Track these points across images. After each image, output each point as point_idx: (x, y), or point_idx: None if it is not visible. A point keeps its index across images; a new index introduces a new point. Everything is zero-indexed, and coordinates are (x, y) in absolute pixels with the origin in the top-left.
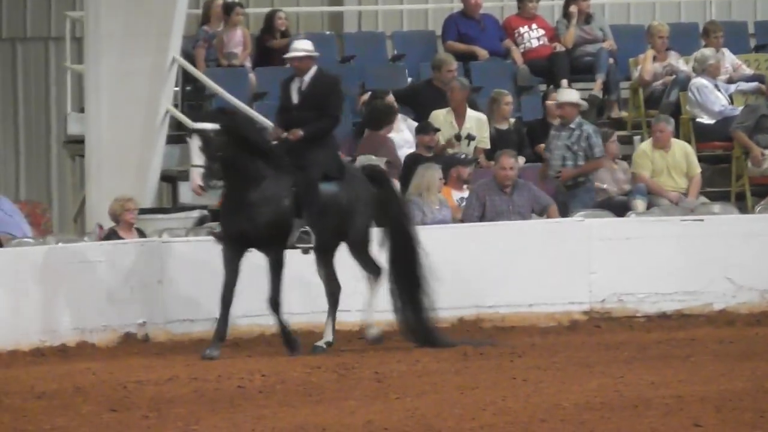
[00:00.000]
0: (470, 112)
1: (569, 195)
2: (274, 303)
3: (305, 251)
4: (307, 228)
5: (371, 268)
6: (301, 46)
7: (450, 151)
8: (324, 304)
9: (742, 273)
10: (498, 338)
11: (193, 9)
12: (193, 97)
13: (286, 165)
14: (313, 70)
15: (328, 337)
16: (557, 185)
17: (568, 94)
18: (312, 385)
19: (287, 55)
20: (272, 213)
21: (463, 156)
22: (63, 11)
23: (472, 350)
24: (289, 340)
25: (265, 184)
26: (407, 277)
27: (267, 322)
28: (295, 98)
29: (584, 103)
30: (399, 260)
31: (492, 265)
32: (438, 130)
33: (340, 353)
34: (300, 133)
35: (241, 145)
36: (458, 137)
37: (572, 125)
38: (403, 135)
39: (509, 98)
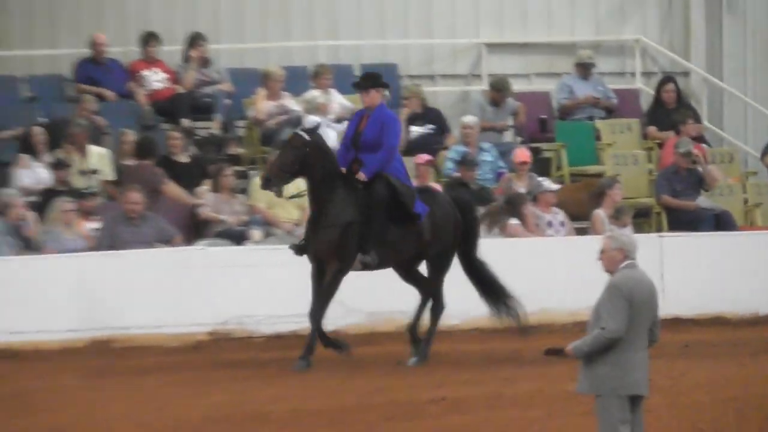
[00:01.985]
0: (93, 149)
1: None
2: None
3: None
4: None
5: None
6: None
7: (77, 185)
8: None
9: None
10: (130, 359)
11: None
12: None
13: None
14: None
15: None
16: None
17: None
18: None
19: None
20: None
21: (88, 189)
22: None
23: (105, 367)
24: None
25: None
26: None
27: None
28: None
29: None
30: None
31: (123, 290)
32: (69, 166)
33: None
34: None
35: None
36: (83, 172)
37: None
38: (37, 172)
39: (132, 136)
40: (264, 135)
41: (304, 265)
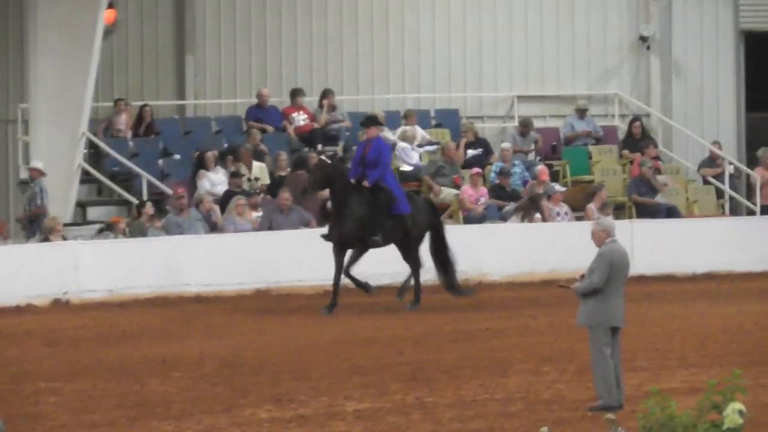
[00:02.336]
0: (256, 164)
1: None
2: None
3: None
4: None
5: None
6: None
7: (245, 188)
8: None
9: None
10: (281, 303)
11: (99, 102)
12: (96, 156)
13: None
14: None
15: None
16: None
17: None
18: (169, 331)
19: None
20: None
21: (253, 191)
22: (17, 103)
23: (265, 308)
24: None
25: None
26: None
27: None
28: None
29: None
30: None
31: (276, 256)
32: (243, 175)
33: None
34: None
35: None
36: (249, 180)
37: None
38: (219, 178)
39: (284, 156)
40: None
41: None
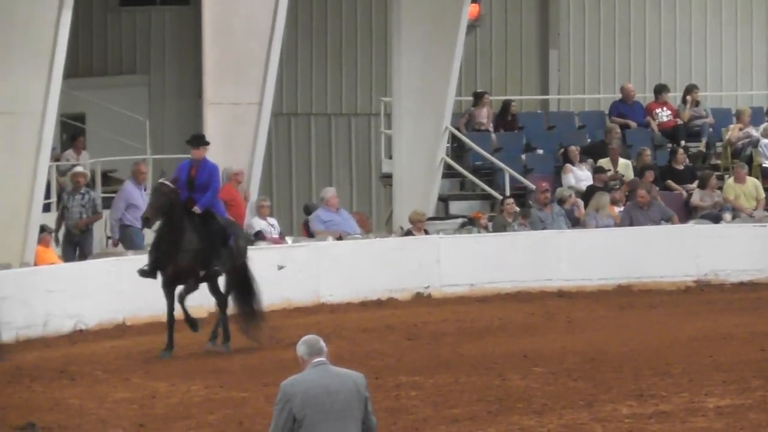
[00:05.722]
0: (621, 160)
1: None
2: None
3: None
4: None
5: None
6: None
7: (610, 183)
8: None
9: None
10: (642, 298)
11: (461, 97)
12: (458, 150)
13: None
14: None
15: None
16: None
17: None
18: (530, 325)
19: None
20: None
21: (617, 186)
22: (379, 97)
23: (626, 303)
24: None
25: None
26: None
27: None
28: None
29: None
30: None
31: (637, 251)
32: (607, 171)
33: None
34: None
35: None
36: (614, 176)
37: None
38: (584, 173)
39: (648, 152)
40: (733, 151)
41: (761, 237)
